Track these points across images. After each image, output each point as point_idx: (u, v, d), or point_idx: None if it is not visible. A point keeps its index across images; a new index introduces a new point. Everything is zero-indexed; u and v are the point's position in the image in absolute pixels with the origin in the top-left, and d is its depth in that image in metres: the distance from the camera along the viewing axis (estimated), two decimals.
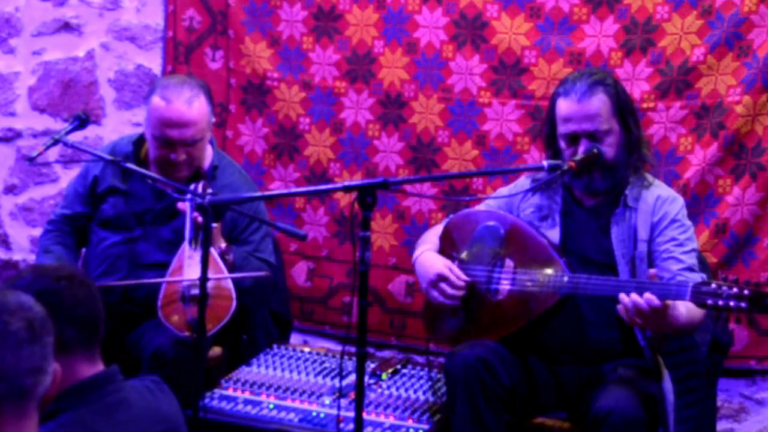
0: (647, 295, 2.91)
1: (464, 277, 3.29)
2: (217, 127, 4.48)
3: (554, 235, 3.31)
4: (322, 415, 3.27)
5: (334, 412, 3.24)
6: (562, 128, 3.25)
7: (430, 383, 3.43)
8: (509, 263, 3.29)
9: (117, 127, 4.67)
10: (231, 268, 3.49)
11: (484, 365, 3.10)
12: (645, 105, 3.96)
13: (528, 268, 3.25)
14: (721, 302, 2.84)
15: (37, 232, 4.80)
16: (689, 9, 3.88)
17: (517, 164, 4.07)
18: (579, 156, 3.19)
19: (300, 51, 4.36)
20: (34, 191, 4.87)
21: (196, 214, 3.34)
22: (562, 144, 3.26)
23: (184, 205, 3.42)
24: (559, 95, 3.27)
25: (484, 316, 3.31)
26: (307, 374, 3.51)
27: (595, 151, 3.20)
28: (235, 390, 3.42)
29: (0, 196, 4.91)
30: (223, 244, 3.51)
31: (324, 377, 3.49)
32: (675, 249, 3.19)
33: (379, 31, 4.25)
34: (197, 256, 3.29)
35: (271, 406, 3.33)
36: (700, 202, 3.95)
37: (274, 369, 3.56)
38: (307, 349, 3.76)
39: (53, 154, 4.56)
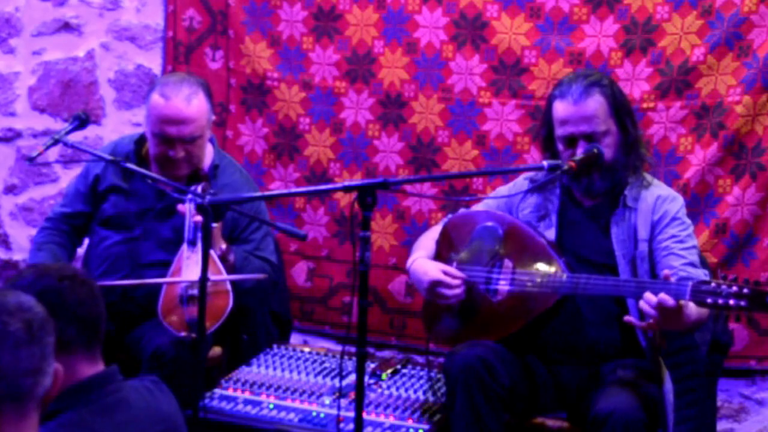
0: (662, 294, 2.89)
1: (459, 275, 3.28)
2: (217, 127, 4.48)
3: (550, 234, 3.31)
4: (322, 415, 3.27)
5: (334, 412, 3.24)
6: (560, 131, 3.24)
7: (430, 383, 3.43)
8: (508, 263, 3.29)
9: (117, 127, 4.67)
10: (231, 269, 3.49)
11: (484, 365, 3.10)
12: (645, 105, 3.96)
13: (527, 268, 3.25)
14: (720, 301, 2.83)
15: (36, 234, 4.81)
16: (689, 9, 3.88)
17: (517, 164, 4.07)
18: (579, 156, 3.19)
19: (300, 51, 4.36)
20: (34, 191, 4.87)
21: (195, 216, 3.35)
22: (560, 146, 3.25)
23: (184, 207, 3.43)
24: (555, 97, 3.27)
25: (484, 317, 3.30)
26: (307, 374, 3.51)
27: (595, 150, 3.20)
28: (235, 390, 3.42)
29: (0, 196, 4.91)
30: (224, 245, 3.51)
31: (324, 377, 3.49)
32: (675, 246, 3.19)
33: (379, 31, 4.25)
34: (195, 257, 3.30)
35: (271, 406, 3.33)
36: (700, 202, 3.95)
37: (274, 369, 3.56)
38: (307, 349, 3.76)
39: (53, 154, 4.56)
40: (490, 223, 3.35)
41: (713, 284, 2.86)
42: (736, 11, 3.83)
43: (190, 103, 3.56)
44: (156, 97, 3.57)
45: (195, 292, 3.33)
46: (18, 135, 4.86)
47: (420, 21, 4.20)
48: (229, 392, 3.41)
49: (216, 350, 3.80)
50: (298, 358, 3.65)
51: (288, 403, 3.34)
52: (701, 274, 3.09)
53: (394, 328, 4.36)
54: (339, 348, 3.50)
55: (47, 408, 1.90)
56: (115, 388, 2.08)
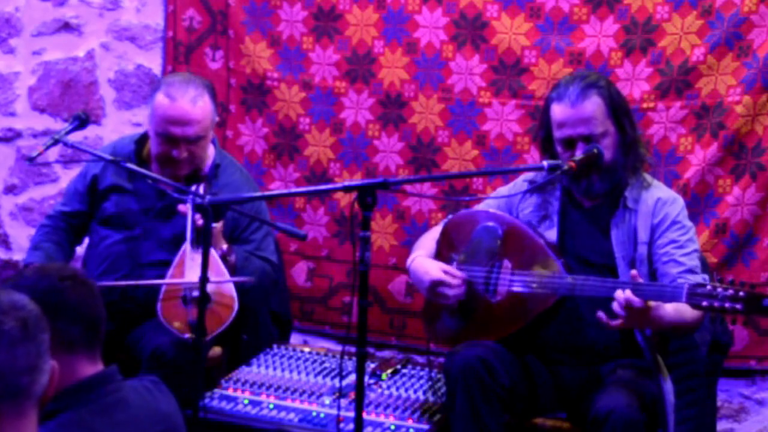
0: (627, 292, 2.91)
1: (459, 275, 3.28)
2: (217, 127, 4.46)
3: (552, 235, 3.31)
4: (322, 415, 3.27)
5: (334, 412, 3.24)
6: (558, 133, 3.24)
7: (430, 383, 3.43)
8: (507, 264, 3.29)
9: (117, 127, 4.67)
10: (233, 269, 3.49)
11: (484, 365, 3.10)
12: (645, 105, 3.96)
13: (526, 269, 3.24)
14: (716, 304, 2.83)
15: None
16: (689, 9, 3.88)
17: (517, 164, 4.07)
18: (579, 156, 3.18)
19: (300, 51, 4.36)
20: (34, 191, 4.87)
21: (196, 216, 3.37)
22: (559, 148, 3.25)
23: (185, 208, 3.43)
24: (553, 100, 3.26)
25: (483, 317, 3.30)
26: (307, 374, 3.51)
27: (595, 151, 3.20)
28: (235, 390, 3.42)
29: (0, 196, 4.91)
30: (225, 246, 3.51)
31: (324, 377, 3.49)
32: (675, 251, 3.19)
33: (379, 31, 4.25)
34: (198, 257, 3.30)
35: (271, 406, 3.33)
36: (700, 202, 3.95)
37: (274, 369, 3.56)
38: (307, 349, 3.76)
39: (53, 154, 4.56)
40: (490, 224, 3.35)
41: (709, 287, 2.86)
42: (736, 11, 3.83)
43: (195, 104, 3.56)
44: (161, 97, 3.58)
45: (196, 293, 3.30)
46: (18, 135, 4.86)
47: (420, 21, 4.20)
48: (229, 392, 3.41)
49: (216, 350, 3.80)
50: (298, 358, 3.65)
51: (288, 403, 3.35)
52: (700, 280, 3.09)
53: (394, 328, 4.36)
54: (339, 348, 3.50)
55: (46, 407, 1.90)
56: (115, 388, 2.08)
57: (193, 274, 3.34)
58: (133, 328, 3.58)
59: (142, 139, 3.77)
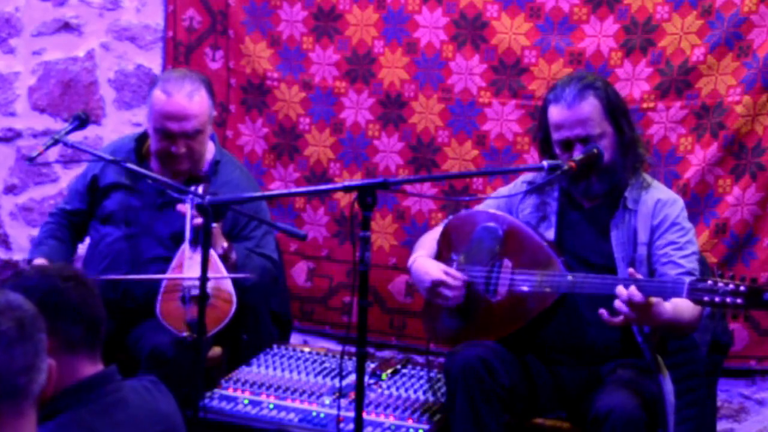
0: (631, 288, 2.91)
1: (460, 276, 3.29)
2: (217, 127, 4.48)
3: (550, 236, 3.31)
4: (322, 415, 3.27)
5: (334, 412, 3.24)
6: (555, 135, 3.24)
7: (430, 383, 3.43)
8: (507, 264, 3.29)
9: (117, 127, 4.67)
10: (234, 267, 3.49)
11: (484, 365, 3.10)
12: (645, 105, 3.96)
13: (526, 269, 3.24)
14: (717, 298, 2.84)
15: (37, 232, 4.81)
16: (689, 9, 3.88)
17: (517, 164, 4.07)
18: (579, 156, 3.18)
19: (300, 51, 4.36)
20: (34, 191, 4.87)
21: (195, 216, 3.36)
22: (557, 150, 3.25)
23: (184, 207, 3.43)
24: (550, 102, 3.26)
25: (483, 317, 3.30)
26: (307, 374, 3.51)
27: (595, 150, 3.20)
28: (235, 390, 3.42)
29: (0, 196, 4.91)
30: (225, 244, 3.51)
31: (324, 377, 3.49)
32: (674, 253, 3.18)
33: (379, 31, 4.25)
34: (197, 257, 3.29)
35: (271, 406, 3.33)
36: (700, 202, 3.95)
37: (274, 369, 3.56)
38: (307, 349, 3.76)
39: (53, 154, 4.56)
40: (490, 224, 3.35)
41: (710, 282, 2.86)
42: (736, 11, 3.83)
43: (192, 99, 3.58)
44: (158, 93, 3.59)
45: (197, 292, 3.29)
46: (18, 135, 4.86)
47: (420, 21, 4.20)
48: (229, 392, 3.41)
49: (216, 350, 3.80)
50: (298, 358, 3.65)
51: (288, 403, 3.35)
52: None
53: (394, 328, 4.36)
54: (339, 348, 3.50)
55: (46, 407, 1.91)
56: (114, 388, 2.08)
57: (191, 274, 3.36)
58: (133, 327, 3.59)
59: (143, 136, 3.78)
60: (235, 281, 3.43)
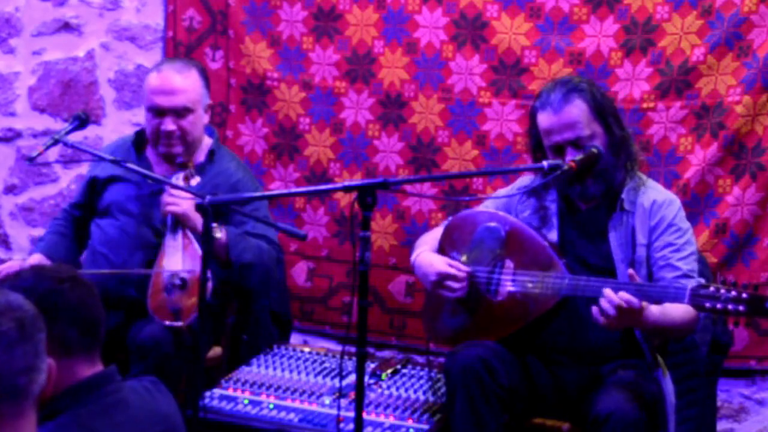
0: (625, 294, 2.91)
1: (464, 268, 3.29)
2: (217, 127, 4.48)
3: (553, 237, 3.31)
4: (322, 415, 3.27)
5: (334, 412, 3.24)
6: (546, 141, 3.24)
7: (430, 383, 3.43)
8: (509, 264, 3.29)
9: (117, 127, 4.67)
10: (222, 248, 3.54)
11: (484, 365, 3.10)
12: (645, 105, 3.96)
13: (528, 270, 3.24)
14: (719, 305, 2.83)
15: (37, 232, 4.81)
16: (689, 9, 3.88)
17: (517, 164, 4.06)
18: (579, 156, 3.18)
19: (300, 51, 4.36)
20: (34, 191, 4.87)
21: (169, 201, 3.49)
22: (550, 156, 3.24)
23: (166, 198, 3.53)
24: (537, 109, 3.26)
25: (484, 317, 3.30)
26: (307, 374, 3.51)
27: (595, 150, 3.19)
28: (235, 390, 3.42)
29: (0, 196, 4.91)
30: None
31: (324, 377, 3.49)
32: (672, 255, 3.18)
33: (379, 31, 4.25)
34: (175, 243, 3.47)
35: (271, 406, 3.33)
36: (700, 202, 3.95)
37: (274, 369, 3.56)
38: (307, 349, 3.76)
39: (53, 154, 4.56)
40: (492, 224, 3.35)
41: (712, 288, 2.85)
42: (736, 11, 3.83)
43: (180, 74, 3.68)
44: (150, 74, 3.73)
45: (178, 281, 3.43)
46: (18, 135, 4.86)
47: (420, 21, 4.20)
48: (229, 392, 3.41)
49: (216, 350, 3.80)
50: (298, 358, 3.65)
51: (288, 403, 3.35)
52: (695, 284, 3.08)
53: (394, 328, 4.36)
54: (339, 348, 3.50)
55: (45, 408, 1.90)
56: (114, 388, 2.08)
57: (171, 261, 3.46)
58: (131, 318, 3.60)
59: (142, 131, 3.85)
60: (231, 264, 3.44)
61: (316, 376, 3.50)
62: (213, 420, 3.29)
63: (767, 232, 3.93)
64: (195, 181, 3.56)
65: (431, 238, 3.50)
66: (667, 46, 3.92)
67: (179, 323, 3.38)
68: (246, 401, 3.36)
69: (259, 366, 3.58)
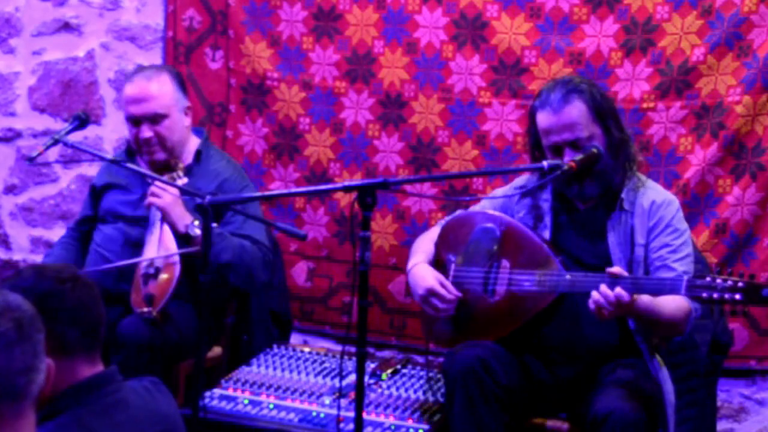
0: (618, 289, 2.93)
1: (455, 292, 3.28)
2: (217, 127, 4.49)
3: (545, 236, 3.31)
4: (322, 415, 3.27)
5: (334, 412, 3.24)
6: (545, 141, 3.24)
7: (429, 383, 3.43)
8: (506, 264, 3.28)
9: (117, 127, 4.67)
10: (197, 242, 3.54)
11: (483, 365, 3.10)
12: (645, 105, 3.96)
13: (524, 269, 3.24)
14: (715, 295, 2.84)
15: (37, 232, 4.82)
16: (689, 9, 3.88)
17: (517, 164, 4.06)
18: (579, 156, 3.18)
19: (300, 51, 4.36)
20: (34, 191, 4.87)
21: (153, 193, 3.56)
22: (549, 156, 3.24)
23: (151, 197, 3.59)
24: (537, 108, 3.26)
25: (482, 317, 3.30)
26: (307, 374, 3.51)
27: (595, 150, 3.19)
28: (235, 390, 3.42)
29: (0, 196, 4.91)
30: (188, 220, 3.57)
31: (324, 377, 3.49)
32: (668, 256, 3.18)
33: (379, 31, 4.25)
34: (153, 237, 3.58)
35: (271, 406, 3.33)
36: (700, 202, 3.95)
37: (274, 369, 3.56)
38: (307, 349, 3.76)
39: (53, 154, 4.57)
40: (488, 224, 3.35)
41: (708, 279, 2.87)
42: (736, 11, 3.83)
43: (150, 80, 3.72)
44: (125, 85, 3.79)
45: (152, 270, 3.51)
46: (18, 135, 4.86)
47: (420, 21, 4.20)
48: (229, 392, 3.41)
49: (216, 350, 3.81)
50: (298, 358, 3.65)
51: (288, 403, 3.35)
52: None
53: (394, 328, 4.36)
54: (339, 348, 3.50)
55: (45, 408, 1.90)
56: (114, 388, 2.07)
57: (148, 253, 3.55)
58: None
59: None
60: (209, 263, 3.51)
61: (316, 376, 3.50)
62: (213, 420, 3.30)
63: (767, 232, 3.93)
64: (181, 182, 3.62)
65: (427, 241, 3.49)
66: (667, 46, 3.92)
67: (150, 309, 3.41)
68: (246, 401, 3.36)
69: (259, 366, 3.58)
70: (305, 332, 4.46)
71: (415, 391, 3.40)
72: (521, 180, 3.50)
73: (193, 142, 3.82)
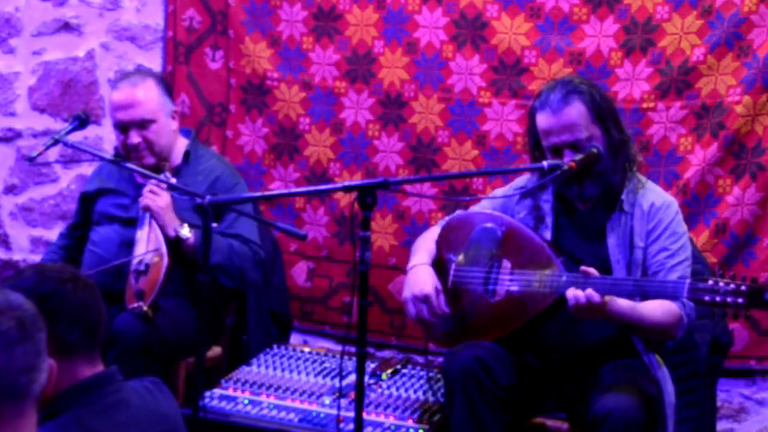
0: (588, 290, 2.95)
1: (446, 309, 3.27)
2: (217, 127, 4.49)
3: (547, 237, 3.30)
4: (322, 415, 3.27)
5: (334, 412, 3.24)
6: (544, 141, 3.23)
7: (429, 383, 3.43)
8: (506, 264, 3.28)
9: None
10: (191, 249, 3.58)
11: (482, 365, 3.10)
12: (645, 105, 3.96)
13: (525, 269, 3.24)
14: (718, 298, 2.84)
15: (37, 232, 4.82)
16: (689, 9, 3.88)
17: (517, 164, 4.06)
18: (579, 156, 3.18)
19: (300, 51, 4.36)
20: (34, 191, 4.87)
21: (147, 195, 3.59)
22: (549, 156, 3.24)
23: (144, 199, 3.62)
24: (536, 109, 3.25)
25: (482, 317, 3.30)
26: (307, 374, 3.52)
27: (595, 150, 3.19)
28: (235, 390, 3.42)
29: (0, 196, 4.91)
30: (177, 224, 3.60)
31: (324, 377, 3.49)
32: (666, 261, 3.18)
33: (379, 31, 4.25)
34: (143, 234, 3.59)
35: (271, 406, 3.33)
36: (700, 202, 3.95)
37: (274, 369, 3.56)
38: (307, 349, 3.76)
39: (53, 154, 4.57)
40: (488, 224, 3.34)
41: (710, 282, 2.87)
42: (736, 11, 3.83)
43: (135, 87, 3.73)
44: (112, 92, 3.82)
45: (142, 267, 3.52)
46: (18, 135, 4.86)
47: (420, 21, 4.20)
48: (229, 392, 3.41)
49: (216, 350, 3.81)
50: (298, 358, 3.65)
51: (288, 403, 3.35)
52: None
53: (394, 328, 4.36)
54: (339, 348, 3.50)
55: (45, 408, 1.90)
56: (115, 388, 2.07)
57: (138, 252, 3.56)
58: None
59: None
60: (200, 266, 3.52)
61: (316, 376, 3.50)
62: (213, 420, 3.30)
63: (767, 232, 3.93)
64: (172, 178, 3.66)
65: (428, 240, 3.48)
66: (667, 46, 3.92)
67: (140, 304, 3.43)
68: (246, 401, 3.36)
69: (259, 366, 3.58)
70: (305, 332, 4.46)
71: (415, 391, 3.40)
72: (521, 180, 3.50)
73: (181, 143, 3.84)
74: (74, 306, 2.03)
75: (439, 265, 3.38)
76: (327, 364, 3.59)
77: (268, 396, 3.38)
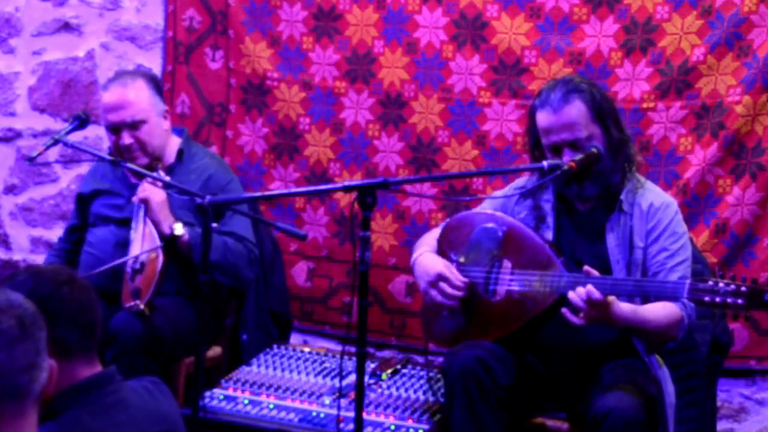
0: (589, 286, 2.94)
1: (463, 279, 3.28)
2: (217, 127, 4.49)
3: (548, 237, 3.31)
4: (322, 415, 3.27)
5: (334, 412, 3.24)
6: (544, 140, 3.24)
7: (429, 383, 3.43)
8: (507, 264, 3.28)
9: None
10: (186, 246, 3.58)
11: (482, 365, 3.10)
12: (645, 105, 3.96)
13: (526, 269, 3.24)
14: (718, 299, 2.84)
15: (37, 232, 4.82)
16: (689, 9, 3.89)
17: (517, 164, 4.06)
18: (579, 156, 3.18)
19: (300, 51, 4.36)
20: (34, 191, 4.87)
21: (144, 188, 3.60)
22: (548, 155, 3.24)
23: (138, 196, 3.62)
24: (537, 107, 3.26)
25: (482, 317, 3.30)
26: (307, 374, 3.52)
27: (595, 150, 3.19)
28: (235, 390, 3.42)
29: (0, 196, 4.91)
30: (171, 221, 3.60)
31: (324, 377, 3.50)
32: (666, 261, 3.18)
33: (379, 31, 4.25)
34: (138, 233, 3.59)
35: (271, 406, 3.33)
36: (700, 202, 3.95)
37: (274, 369, 3.56)
38: (307, 349, 3.76)
39: (53, 154, 4.57)
40: (489, 225, 3.34)
41: (710, 282, 2.87)
42: (736, 11, 3.83)
43: (126, 87, 3.72)
44: (102, 94, 3.81)
45: (138, 265, 3.53)
46: (18, 135, 4.86)
47: (420, 21, 4.20)
48: (229, 392, 3.41)
49: (216, 350, 3.81)
50: (298, 358, 3.65)
51: (288, 403, 3.35)
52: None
53: (394, 328, 4.36)
54: (339, 348, 3.50)
55: (45, 408, 1.90)
56: (114, 388, 2.07)
57: (134, 250, 3.56)
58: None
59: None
60: (195, 264, 3.53)
61: (316, 376, 3.50)
62: (213, 420, 3.30)
63: (767, 232, 3.93)
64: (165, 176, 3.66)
65: (431, 238, 3.50)
66: (667, 46, 3.92)
67: (136, 302, 3.43)
68: (246, 401, 3.36)
69: (259, 366, 3.58)
70: (305, 332, 4.46)
71: (415, 391, 3.40)
72: (521, 180, 3.50)
73: (174, 142, 3.83)
74: (72, 308, 2.03)
75: (447, 262, 3.38)
76: (327, 364, 3.59)
77: (268, 396, 3.38)
